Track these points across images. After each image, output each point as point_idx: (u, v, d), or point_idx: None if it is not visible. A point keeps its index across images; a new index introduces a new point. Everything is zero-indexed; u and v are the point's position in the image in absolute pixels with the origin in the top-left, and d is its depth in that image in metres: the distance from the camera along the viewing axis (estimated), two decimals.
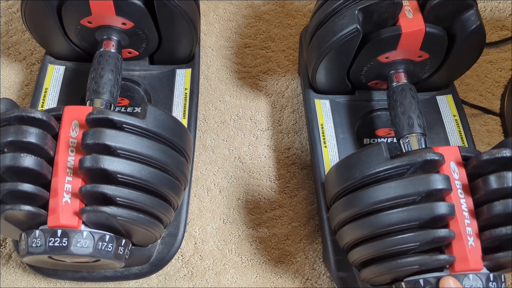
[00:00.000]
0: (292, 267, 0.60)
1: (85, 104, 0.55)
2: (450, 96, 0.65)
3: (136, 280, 0.57)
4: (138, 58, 0.65)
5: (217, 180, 0.65)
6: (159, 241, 0.55)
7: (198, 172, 0.65)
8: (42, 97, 0.61)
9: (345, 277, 0.54)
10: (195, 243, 0.61)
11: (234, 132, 0.69)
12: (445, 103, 0.65)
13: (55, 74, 0.64)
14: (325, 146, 0.62)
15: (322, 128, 0.63)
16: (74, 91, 0.63)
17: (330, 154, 0.61)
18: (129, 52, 0.63)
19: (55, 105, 0.61)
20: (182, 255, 0.60)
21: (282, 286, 0.58)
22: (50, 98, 0.62)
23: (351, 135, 0.63)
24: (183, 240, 0.58)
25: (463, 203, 0.44)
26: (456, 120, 0.64)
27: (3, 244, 0.59)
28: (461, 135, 0.62)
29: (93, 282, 0.55)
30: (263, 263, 0.60)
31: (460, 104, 0.65)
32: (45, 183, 0.43)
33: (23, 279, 0.57)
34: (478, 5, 0.83)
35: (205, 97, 0.71)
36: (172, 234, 0.56)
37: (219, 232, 0.62)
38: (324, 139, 0.62)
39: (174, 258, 0.58)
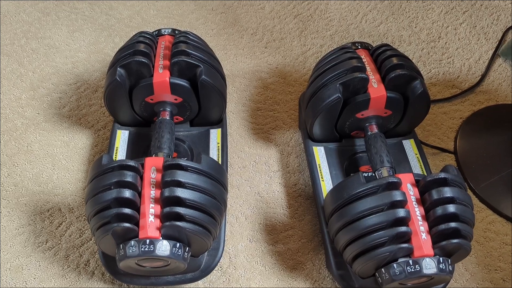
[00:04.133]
0: (303, 272, 0.79)
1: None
2: (412, 140, 0.88)
3: (189, 285, 0.77)
4: (182, 122, 0.88)
5: (243, 210, 0.86)
6: (206, 253, 0.75)
7: (228, 205, 0.86)
8: (114, 154, 0.84)
9: (342, 274, 0.74)
10: (230, 257, 0.81)
11: (253, 174, 0.91)
12: (409, 145, 0.88)
13: (122, 136, 0.87)
14: (323, 181, 0.83)
15: (320, 167, 0.85)
16: (137, 148, 0.85)
17: (327, 186, 0.83)
18: (177, 118, 0.86)
19: None
20: (221, 267, 0.79)
21: (297, 287, 0.78)
22: (120, 154, 0.84)
23: (341, 172, 0.85)
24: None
25: (416, 210, 0.66)
26: (417, 157, 0.86)
27: (87, 264, 0.79)
28: (422, 168, 0.84)
29: (160, 286, 0.75)
30: (281, 270, 0.79)
31: (420, 145, 0.88)
32: (137, 209, 0.65)
33: None
34: (434, 70, 1.09)
35: (229, 149, 0.93)
36: (215, 248, 0.76)
37: (247, 248, 0.82)
38: (321, 175, 0.84)
39: (215, 268, 0.78)
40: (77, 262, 0.79)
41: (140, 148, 0.86)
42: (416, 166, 0.84)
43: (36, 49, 1.10)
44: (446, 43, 1.14)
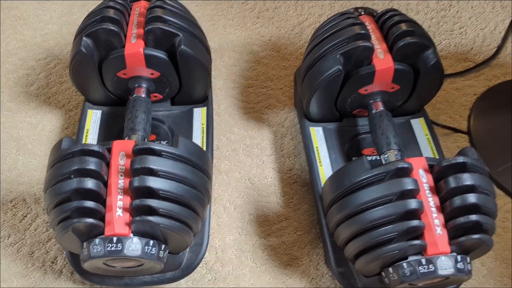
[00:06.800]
0: (299, 269, 0.71)
1: None
2: (422, 119, 0.79)
3: (169, 285, 0.68)
4: (162, 101, 0.78)
5: (232, 199, 0.77)
6: (187, 249, 0.66)
7: (215, 194, 0.77)
8: (84, 137, 0.74)
9: (343, 272, 0.65)
10: (216, 253, 0.72)
11: (244, 158, 0.81)
12: (418, 125, 0.78)
13: (93, 117, 0.77)
14: (321, 165, 0.74)
15: (317, 150, 0.76)
16: (110, 130, 0.76)
17: (325, 172, 0.73)
18: (155, 96, 0.76)
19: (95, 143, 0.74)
20: (206, 264, 0.71)
21: (292, 285, 0.69)
22: (91, 137, 0.74)
23: (342, 155, 0.75)
24: (206, 251, 0.69)
25: (430, 200, 0.56)
26: (428, 138, 0.76)
27: (54, 261, 0.70)
28: (433, 151, 0.75)
29: (134, 286, 0.66)
30: (274, 266, 0.71)
31: (430, 125, 0.78)
32: (102, 201, 0.55)
33: None
34: (445, 41, 0.99)
35: (217, 130, 0.84)
36: (198, 243, 0.67)
37: (236, 242, 0.73)
38: (319, 159, 0.75)
39: (199, 266, 0.69)
40: (43, 259, 0.70)
41: (113, 130, 0.76)
42: (427, 149, 0.75)
43: (1, 20, 1.01)
44: (458, 11, 1.04)
